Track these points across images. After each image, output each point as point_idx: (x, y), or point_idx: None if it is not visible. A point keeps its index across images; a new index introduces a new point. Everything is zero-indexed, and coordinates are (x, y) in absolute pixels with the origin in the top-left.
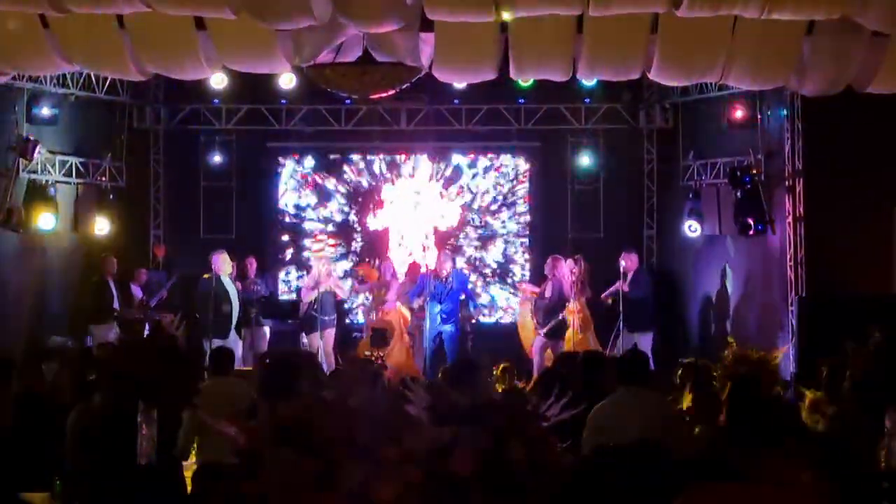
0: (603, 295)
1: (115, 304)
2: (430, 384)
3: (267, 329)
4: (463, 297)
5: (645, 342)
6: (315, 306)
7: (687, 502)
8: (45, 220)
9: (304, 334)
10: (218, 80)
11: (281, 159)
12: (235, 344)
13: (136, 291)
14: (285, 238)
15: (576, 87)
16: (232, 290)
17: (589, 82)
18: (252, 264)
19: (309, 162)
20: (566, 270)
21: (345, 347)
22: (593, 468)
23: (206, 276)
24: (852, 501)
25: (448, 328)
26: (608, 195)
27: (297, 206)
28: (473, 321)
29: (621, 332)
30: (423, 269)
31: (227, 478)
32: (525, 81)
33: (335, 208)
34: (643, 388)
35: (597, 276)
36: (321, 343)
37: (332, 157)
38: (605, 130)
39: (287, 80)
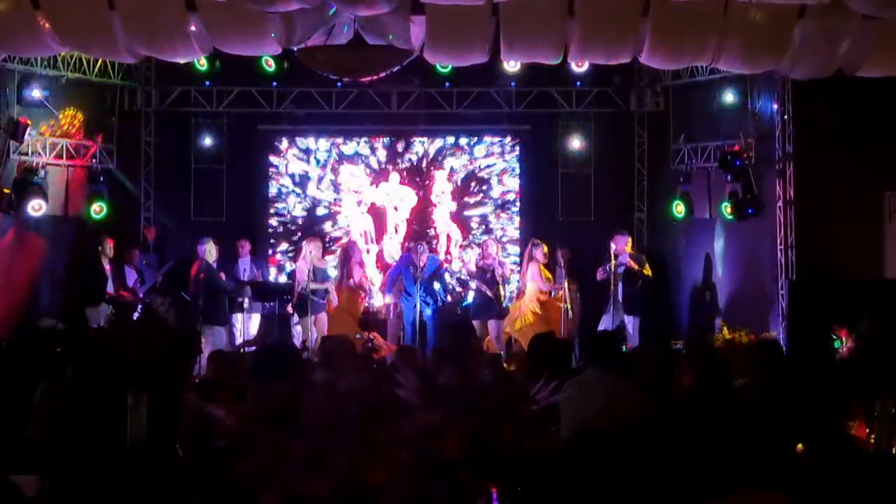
0: (599, 275)
1: (109, 287)
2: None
3: (256, 315)
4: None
5: (635, 324)
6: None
7: None
8: (35, 204)
9: (296, 317)
10: (201, 63)
11: (276, 143)
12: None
13: (130, 274)
14: (274, 222)
15: (567, 71)
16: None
17: (577, 67)
18: (244, 246)
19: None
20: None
21: None
22: (577, 451)
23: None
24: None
25: (428, 312)
26: (599, 178)
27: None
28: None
29: (618, 312)
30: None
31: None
32: (514, 66)
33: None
34: (609, 370)
35: (587, 259)
36: (314, 327)
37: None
38: (596, 114)
39: (271, 66)
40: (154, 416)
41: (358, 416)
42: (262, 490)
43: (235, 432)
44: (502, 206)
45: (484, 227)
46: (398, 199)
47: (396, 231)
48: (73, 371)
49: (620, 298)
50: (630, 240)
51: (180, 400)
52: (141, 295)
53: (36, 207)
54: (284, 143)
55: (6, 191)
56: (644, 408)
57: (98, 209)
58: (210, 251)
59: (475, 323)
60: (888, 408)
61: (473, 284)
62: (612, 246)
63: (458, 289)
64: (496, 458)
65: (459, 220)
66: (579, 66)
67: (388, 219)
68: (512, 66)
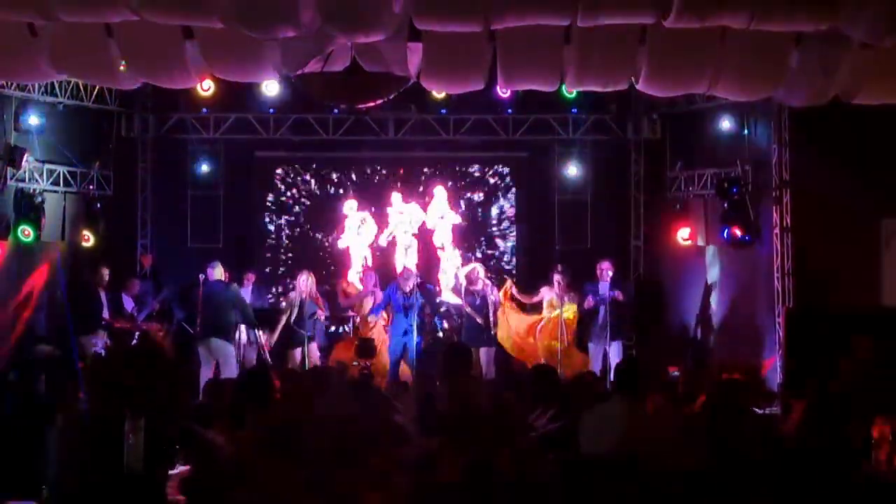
0: (587, 304)
1: (105, 314)
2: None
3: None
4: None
5: (618, 348)
6: (292, 319)
7: None
8: (30, 231)
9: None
10: (205, 88)
11: (274, 170)
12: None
13: (127, 302)
14: (269, 255)
15: (563, 98)
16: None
17: (569, 94)
18: (249, 278)
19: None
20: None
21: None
22: (580, 478)
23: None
24: None
25: (413, 340)
26: (595, 206)
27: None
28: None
29: (604, 339)
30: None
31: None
32: (504, 93)
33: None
34: (634, 397)
35: (583, 286)
36: (304, 357)
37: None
38: (593, 141)
39: (270, 90)
40: (151, 442)
41: (356, 442)
42: None
43: (235, 459)
44: (500, 234)
45: (480, 251)
46: (407, 218)
47: (407, 253)
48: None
49: (604, 327)
50: (611, 266)
51: (178, 427)
52: (139, 322)
53: (27, 233)
54: (281, 172)
55: (3, 217)
56: (665, 436)
57: (94, 235)
58: (220, 274)
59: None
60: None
61: (466, 309)
62: (599, 269)
63: (455, 317)
64: (494, 485)
65: (462, 238)
66: (569, 94)
67: (398, 242)
68: (507, 93)
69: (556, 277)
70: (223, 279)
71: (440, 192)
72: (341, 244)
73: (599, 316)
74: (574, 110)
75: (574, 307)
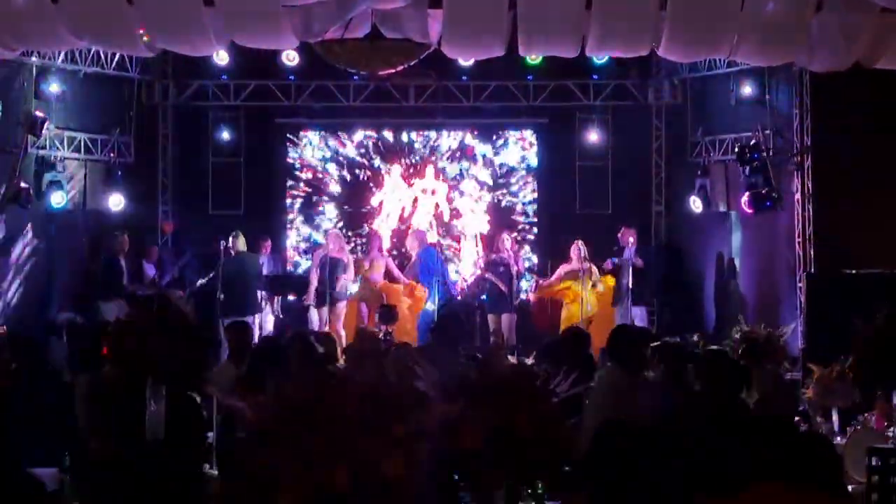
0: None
1: (125, 281)
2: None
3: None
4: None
5: (643, 314)
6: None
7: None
8: (53, 198)
9: (312, 309)
10: (220, 57)
11: (290, 136)
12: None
13: (149, 269)
14: (291, 217)
15: (585, 64)
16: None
17: (598, 59)
18: (266, 245)
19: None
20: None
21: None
22: (604, 443)
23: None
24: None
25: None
26: (616, 172)
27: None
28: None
29: (627, 304)
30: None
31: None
32: (533, 59)
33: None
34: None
35: (605, 252)
36: (328, 318)
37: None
38: (614, 107)
39: (289, 58)
40: (172, 409)
41: (378, 409)
42: (283, 482)
43: (256, 425)
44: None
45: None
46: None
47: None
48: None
49: (626, 293)
50: (635, 232)
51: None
52: (161, 288)
53: (57, 201)
54: (304, 139)
55: (24, 185)
56: (656, 405)
57: (115, 203)
58: (242, 245)
59: (490, 317)
60: None
61: (489, 276)
62: (620, 237)
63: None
64: (515, 450)
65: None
66: (598, 59)
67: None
68: (532, 59)
69: (576, 252)
70: (245, 250)
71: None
72: (374, 200)
73: (622, 283)
74: (595, 76)
75: (605, 280)
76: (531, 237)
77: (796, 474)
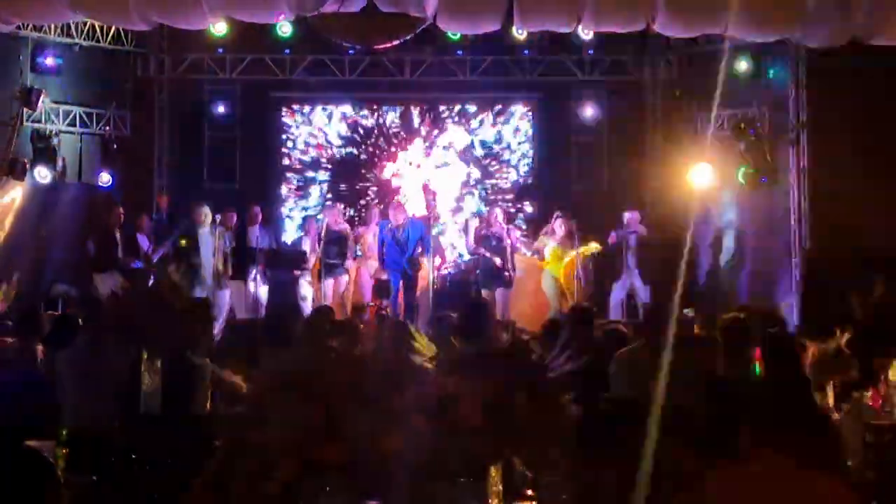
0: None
1: (119, 254)
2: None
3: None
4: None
5: (647, 290)
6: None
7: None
8: (47, 171)
9: (302, 281)
10: (218, 30)
11: (285, 110)
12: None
13: (143, 241)
14: (286, 190)
15: (580, 39)
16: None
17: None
18: (256, 213)
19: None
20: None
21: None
22: (603, 418)
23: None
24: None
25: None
26: (611, 148)
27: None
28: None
29: (629, 278)
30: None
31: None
32: (519, 35)
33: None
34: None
35: (599, 228)
36: (326, 291)
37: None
38: (609, 82)
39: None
40: (168, 382)
41: (375, 383)
42: (280, 456)
43: (252, 399)
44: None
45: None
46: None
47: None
48: (90, 338)
49: (631, 265)
50: (637, 214)
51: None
52: (154, 261)
53: (45, 175)
54: (300, 113)
55: (20, 158)
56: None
57: (110, 176)
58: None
59: (483, 292)
60: None
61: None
62: (626, 216)
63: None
64: (511, 425)
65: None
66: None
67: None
68: (518, 34)
69: (557, 224)
70: (209, 224)
71: (450, 136)
72: (387, 173)
73: (628, 258)
74: (590, 51)
75: (591, 245)
76: (524, 212)
77: (798, 448)
